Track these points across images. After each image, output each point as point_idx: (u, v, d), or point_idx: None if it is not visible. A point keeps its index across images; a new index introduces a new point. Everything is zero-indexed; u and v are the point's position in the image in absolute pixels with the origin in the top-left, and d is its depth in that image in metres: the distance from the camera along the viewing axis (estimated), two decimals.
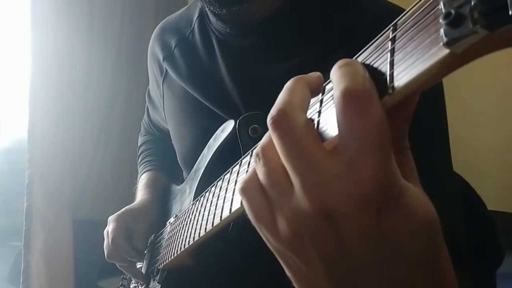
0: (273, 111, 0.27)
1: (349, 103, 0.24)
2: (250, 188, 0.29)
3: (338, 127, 0.25)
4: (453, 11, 0.20)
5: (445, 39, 0.20)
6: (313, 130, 0.27)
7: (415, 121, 0.29)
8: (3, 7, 1.90)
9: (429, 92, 0.25)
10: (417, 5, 0.23)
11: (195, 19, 0.76)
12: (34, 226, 1.75)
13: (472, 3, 0.19)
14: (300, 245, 0.27)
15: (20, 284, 1.73)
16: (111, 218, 0.80)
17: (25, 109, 1.76)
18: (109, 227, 0.79)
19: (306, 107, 0.28)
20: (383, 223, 0.24)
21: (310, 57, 0.62)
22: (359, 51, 0.28)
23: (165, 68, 0.78)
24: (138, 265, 0.85)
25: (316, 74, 0.30)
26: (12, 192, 2.09)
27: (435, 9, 0.21)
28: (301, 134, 0.26)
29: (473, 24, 0.19)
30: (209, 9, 0.67)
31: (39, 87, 1.77)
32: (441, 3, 0.20)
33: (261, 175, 0.28)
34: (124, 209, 0.82)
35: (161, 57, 0.79)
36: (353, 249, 0.25)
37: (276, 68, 0.64)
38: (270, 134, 0.27)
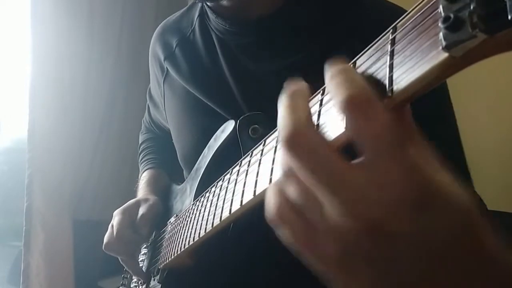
0: (285, 133, 0.26)
1: (352, 111, 0.24)
2: (286, 212, 0.28)
3: (350, 137, 0.24)
4: (452, 15, 0.19)
5: (444, 43, 0.20)
6: (330, 145, 0.26)
7: (423, 111, 0.29)
8: (3, 7, 1.90)
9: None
10: (416, 8, 0.23)
11: (195, 18, 0.76)
12: (34, 226, 1.75)
13: (471, 7, 0.19)
14: (351, 263, 0.26)
15: (20, 284, 1.73)
16: (116, 212, 0.80)
17: (25, 109, 1.76)
18: (114, 220, 0.78)
19: (313, 122, 0.28)
20: (427, 222, 0.23)
21: (311, 54, 0.62)
22: (360, 50, 0.28)
23: (166, 67, 0.78)
24: (140, 263, 0.86)
25: (305, 85, 0.30)
26: (12, 192, 2.09)
27: (435, 12, 0.21)
28: (321, 151, 0.25)
29: (472, 28, 0.19)
30: (204, 3, 0.68)
31: (39, 87, 1.77)
32: (440, 7, 0.20)
33: (296, 196, 0.27)
34: (129, 202, 0.82)
35: (162, 57, 0.79)
36: (404, 254, 0.24)
37: (277, 65, 0.64)
38: (287, 157, 0.26)
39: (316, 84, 0.30)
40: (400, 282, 0.25)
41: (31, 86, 1.76)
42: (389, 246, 0.24)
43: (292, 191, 0.27)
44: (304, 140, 0.25)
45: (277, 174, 0.29)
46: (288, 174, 0.27)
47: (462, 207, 0.24)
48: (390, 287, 0.26)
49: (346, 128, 0.24)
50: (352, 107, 0.23)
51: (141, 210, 0.79)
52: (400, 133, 0.24)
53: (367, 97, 0.24)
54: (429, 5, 0.22)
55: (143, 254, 0.87)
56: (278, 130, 0.27)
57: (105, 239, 0.79)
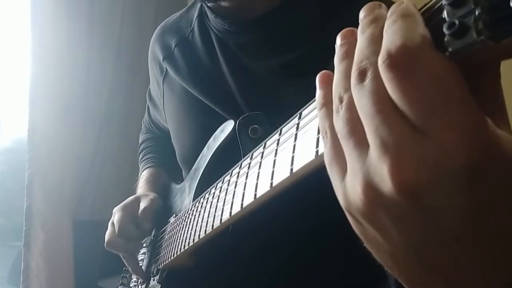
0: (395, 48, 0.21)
1: (394, 67, 0.21)
2: (331, 129, 0.26)
3: (394, 98, 0.21)
4: (457, 22, 0.19)
5: (449, 49, 0.20)
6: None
7: None
8: (3, 7, 1.90)
9: None
10: (420, 13, 0.22)
11: (194, 19, 0.76)
12: (34, 226, 1.75)
13: (476, 13, 0.18)
14: (374, 217, 0.23)
15: (20, 284, 1.73)
16: (116, 209, 0.79)
17: (25, 109, 1.76)
18: (115, 217, 0.78)
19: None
20: (482, 190, 0.21)
21: (311, 53, 0.62)
22: None
23: (165, 68, 0.78)
24: (139, 262, 0.85)
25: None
26: (12, 192, 2.09)
27: (438, 17, 0.21)
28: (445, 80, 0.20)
29: (477, 34, 0.18)
30: (204, 4, 0.68)
31: (39, 87, 1.77)
32: (445, 12, 0.20)
33: (340, 122, 0.25)
34: (128, 198, 0.82)
35: (161, 57, 0.79)
36: (442, 226, 0.22)
37: (277, 64, 0.64)
38: (385, 77, 0.22)
39: (315, 81, 0.29)
40: (435, 255, 0.23)
41: (31, 86, 1.76)
42: (425, 216, 0.22)
43: (343, 112, 0.25)
44: (420, 65, 0.21)
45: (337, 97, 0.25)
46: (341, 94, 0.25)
47: None
48: (422, 258, 0.23)
49: (395, 95, 0.21)
50: (392, 61, 0.21)
51: (143, 204, 0.78)
52: (459, 85, 0.21)
53: (424, 49, 0.21)
54: (432, 10, 0.22)
55: (142, 254, 0.87)
56: (385, 39, 0.22)
57: (107, 237, 0.78)
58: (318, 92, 0.28)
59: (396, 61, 0.21)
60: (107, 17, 1.98)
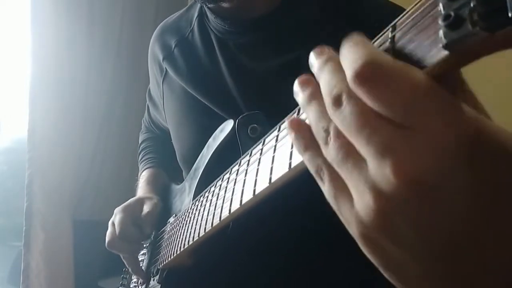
0: (360, 62, 0.23)
1: (364, 82, 0.23)
2: (324, 166, 0.27)
3: (374, 108, 0.23)
4: (452, 13, 0.19)
5: (444, 41, 0.20)
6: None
7: None
8: (3, 7, 1.90)
9: None
10: (416, 6, 0.23)
11: (194, 19, 0.76)
12: (34, 226, 1.75)
13: (472, 4, 0.19)
14: (391, 227, 0.24)
15: (20, 284, 1.73)
16: (117, 210, 0.79)
17: (25, 109, 1.76)
18: (116, 218, 0.78)
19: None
20: (480, 170, 0.22)
21: (310, 52, 0.62)
22: None
23: (165, 68, 0.78)
24: (140, 258, 0.85)
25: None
26: (12, 192, 2.09)
27: (434, 10, 0.21)
28: (406, 84, 0.22)
29: (472, 26, 0.19)
30: (199, 3, 0.68)
31: (39, 87, 1.77)
32: (440, 5, 0.20)
33: (333, 150, 0.25)
34: (130, 200, 0.82)
35: (161, 57, 0.79)
36: (453, 213, 0.22)
37: (276, 64, 0.64)
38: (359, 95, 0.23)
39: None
40: (453, 248, 0.23)
41: (31, 86, 1.77)
42: (434, 202, 0.22)
43: (333, 143, 0.26)
44: (385, 71, 0.22)
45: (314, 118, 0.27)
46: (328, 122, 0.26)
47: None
48: (439, 255, 0.24)
49: (374, 104, 0.23)
50: (375, 75, 0.22)
51: (146, 208, 0.79)
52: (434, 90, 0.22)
53: (384, 60, 0.23)
54: (428, 3, 0.22)
55: (142, 254, 0.87)
56: (346, 65, 0.24)
57: (107, 237, 0.78)
58: (294, 140, 0.29)
59: (364, 75, 0.23)
60: (107, 17, 1.98)
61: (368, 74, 0.23)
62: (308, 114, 0.28)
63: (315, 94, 0.28)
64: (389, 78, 0.22)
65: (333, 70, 0.26)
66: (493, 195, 0.22)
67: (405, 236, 0.24)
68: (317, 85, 0.28)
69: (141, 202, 0.81)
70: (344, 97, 0.24)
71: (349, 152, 0.25)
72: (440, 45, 0.21)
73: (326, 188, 0.27)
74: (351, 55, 0.24)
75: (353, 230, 0.26)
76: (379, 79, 0.22)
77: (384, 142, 0.22)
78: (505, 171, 0.22)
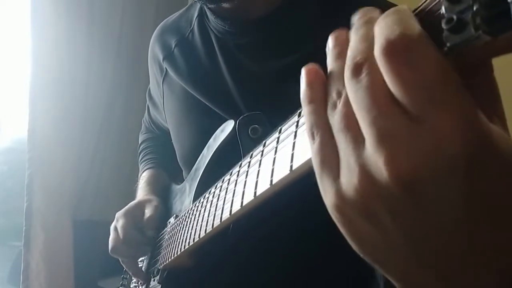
0: (393, 35, 0.21)
1: (393, 54, 0.21)
2: (322, 125, 0.26)
3: (392, 88, 0.22)
4: (455, 17, 0.19)
5: (447, 44, 0.20)
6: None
7: None
8: (3, 7, 1.90)
9: None
10: (418, 9, 0.23)
11: (194, 19, 0.76)
12: (34, 226, 1.75)
13: (474, 8, 0.19)
14: (371, 211, 0.23)
15: (20, 284, 1.73)
16: (118, 214, 0.80)
17: (25, 109, 1.76)
18: (119, 223, 0.78)
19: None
20: (476, 182, 0.21)
21: (311, 53, 0.61)
22: None
23: (165, 68, 0.78)
24: (140, 263, 0.85)
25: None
26: (12, 192, 2.09)
27: (437, 13, 0.21)
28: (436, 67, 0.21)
29: (475, 29, 0.19)
30: (200, 4, 0.68)
31: (39, 87, 1.77)
32: (443, 8, 0.20)
33: (338, 116, 0.24)
34: (130, 204, 0.82)
35: (161, 57, 0.79)
36: (439, 217, 0.22)
37: (276, 65, 0.64)
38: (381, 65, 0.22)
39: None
40: (434, 246, 0.23)
41: (31, 86, 1.76)
42: (421, 203, 0.22)
43: (341, 107, 0.24)
44: (419, 50, 0.21)
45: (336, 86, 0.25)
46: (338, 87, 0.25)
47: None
48: (421, 252, 0.23)
49: (393, 80, 0.21)
50: (405, 49, 0.21)
51: (148, 212, 0.79)
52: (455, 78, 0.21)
53: (422, 39, 0.21)
54: (431, 6, 0.22)
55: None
56: (379, 31, 0.22)
57: (111, 243, 0.78)
58: (304, 88, 0.28)
59: (396, 48, 0.21)
60: (107, 17, 1.98)
61: (400, 48, 0.21)
62: (329, 71, 0.27)
63: (343, 53, 0.26)
64: (421, 62, 0.21)
65: (367, 35, 0.24)
66: (485, 207, 0.21)
67: (382, 221, 0.23)
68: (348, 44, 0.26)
69: (141, 206, 0.81)
70: (365, 67, 0.23)
71: (351, 124, 0.24)
72: (443, 48, 0.21)
73: (314, 148, 0.26)
74: (390, 20, 0.22)
75: (329, 199, 0.25)
76: (410, 58, 0.21)
77: (388, 128, 0.22)
78: (502, 186, 0.21)
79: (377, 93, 0.22)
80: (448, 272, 0.23)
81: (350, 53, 0.24)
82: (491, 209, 0.22)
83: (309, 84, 0.28)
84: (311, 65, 0.28)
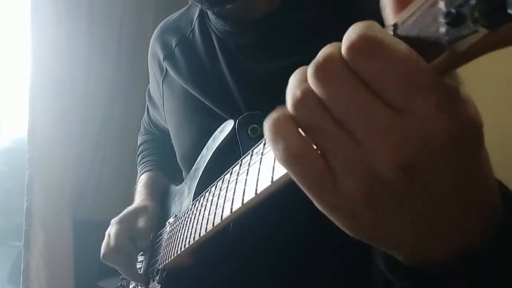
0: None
1: (371, 51, 0.22)
2: (304, 153, 0.25)
3: (367, 81, 0.22)
4: (454, 10, 0.20)
5: (446, 38, 0.20)
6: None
7: None
8: (3, 7, 1.90)
9: None
10: (416, 3, 0.23)
11: (195, 18, 0.76)
12: (34, 226, 1.75)
13: (473, 2, 0.19)
14: (373, 204, 0.25)
15: (20, 284, 1.73)
16: (113, 221, 0.79)
17: (25, 109, 1.76)
18: (112, 230, 0.78)
19: None
20: (461, 153, 0.23)
21: (311, 54, 0.61)
22: None
23: (165, 67, 0.78)
24: (139, 264, 0.85)
25: None
26: (12, 192, 2.09)
27: (435, 7, 0.21)
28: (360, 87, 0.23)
29: (473, 23, 0.19)
30: (203, 8, 0.68)
31: (39, 87, 1.77)
32: (441, 2, 0.20)
33: (315, 123, 0.24)
34: (126, 210, 0.82)
35: (161, 57, 0.79)
36: (434, 188, 0.24)
37: (277, 65, 0.64)
38: (314, 82, 0.24)
39: None
40: (432, 223, 0.26)
41: (31, 86, 1.76)
42: (422, 185, 0.24)
43: (308, 115, 0.25)
44: (386, 47, 0.22)
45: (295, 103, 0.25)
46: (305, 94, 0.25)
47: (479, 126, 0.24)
48: (422, 228, 0.26)
49: (368, 79, 0.22)
50: (370, 45, 0.22)
51: (141, 222, 0.79)
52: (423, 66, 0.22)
53: (385, 36, 0.22)
54: (429, 0, 0.22)
55: (141, 255, 0.87)
56: (344, 39, 0.23)
57: (103, 249, 0.78)
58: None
59: (361, 44, 0.22)
60: (107, 17, 1.98)
61: (366, 43, 0.22)
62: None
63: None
64: (389, 54, 0.22)
65: (331, 46, 0.25)
66: (471, 171, 0.24)
67: (383, 204, 0.25)
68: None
69: (136, 213, 0.81)
70: (333, 67, 0.23)
71: (322, 121, 0.24)
72: (442, 42, 0.21)
73: (291, 146, 0.26)
74: (350, 30, 0.23)
75: (325, 204, 0.26)
76: (377, 51, 0.22)
77: (372, 121, 0.22)
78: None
79: (352, 89, 0.23)
80: (444, 228, 0.26)
81: (311, 64, 0.25)
82: (477, 171, 0.25)
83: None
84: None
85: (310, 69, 0.24)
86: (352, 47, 0.22)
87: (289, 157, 0.25)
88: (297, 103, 0.25)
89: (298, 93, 0.25)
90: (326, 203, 0.26)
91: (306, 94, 0.25)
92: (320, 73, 0.24)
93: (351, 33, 0.23)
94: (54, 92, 1.80)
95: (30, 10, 1.75)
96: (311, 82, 0.24)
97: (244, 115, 0.61)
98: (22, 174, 1.76)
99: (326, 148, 0.24)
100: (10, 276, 1.96)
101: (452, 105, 0.22)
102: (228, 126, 0.62)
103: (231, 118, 0.63)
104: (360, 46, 0.22)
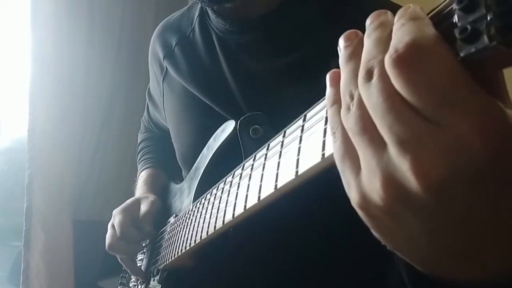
0: (409, 40, 0.21)
1: (400, 63, 0.21)
2: (342, 126, 0.26)
3: (403, 94, 0.21)
4: (469, 27, 0.19)
5: (460, 54, 0.20)
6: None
7: None
8: (3, 7, 1.90)
9: None
10: (429, 15, 0.23)
11: (195, 18, 0.76)
12: (34, 226, 1.75)
13: (488, 18, 0.18)
14: (394, 211, 0.23)
15: (20, 284, 1.73)
16: (116, 211, 0.80)
17: (25, 109, 1.76)
18: (116, 220, 0.78)
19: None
20: (500, 178, 0.21)
21: (312, 53, 0.61)
22: None
23: (166, 66, 0.78)
24: (139, 262, 0.85)
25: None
26: (12, 192, 2.09)
27: (449, 22, 0.21)
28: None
29: (489, 40, 0.19)
30: (202, 6, 0.68)
31: (39, 87, 1.77)
32: (456, 17, 0.20)
33: (352, 119, 0.24)
34: (128, 201, 0.82)
35: (161, 56, 0.79)
36: (463, 214, 0.22)
37: (278, 64, 0.64)
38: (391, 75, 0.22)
39: (316, 81, 0.29)
40: (452, 247, 0.24)
41: (31, 86, 1.76)
42: (448, 207, 0.22)
43: (354, 112, 0.24)
44: (427, 57, 0.21)
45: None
46: (352, 93, 0.25)
47: None
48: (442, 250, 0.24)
49: (402, 86, 0.21)
50: (419, 50, 0.21)
51: (144, 207, 0.79)
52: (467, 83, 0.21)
53: (432, 44, 0.21)
54: (442, 14, 0.22)
55: (141, 254, 0.87)
56: (393, 40, 0.22)
57: (108, 240, 0.78)
58: (329, 90, 0.28)
59: (402, 56, 0.21)
60: (107, 17, 1.97)
61: (407, 56, 0.21)
62: (342, 73, 0.27)
63: (355, 54, 0.26)
64: (430, 66, 0.21)
65: (379, 39, 0.24)
66: (505, 207, 0.22)
67: (405, 220, 0.24)
68: (361, 43, 0.26)
69: (138, 202, 0.81)
70: (375, 72, 0.23)
71: (367, 126, 0.24)
72: (457, 58, 0.20)
73: (336, 146, 0.27)
74: (403, 30, 0.22)
75: (352, 195, 0.26)
76: (417, 64, 0.21)
77: (408, 133, 0.21)
78: None
79: (390, 97, 0.22)
80: (470, 253, 0.24)
81: (363, 56, 0.24)
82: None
83: (332, 87, 0.28)
84: (336, 70, 0.28)
85: (361, 68, 0.24)
86: (396, 56, 0.21)
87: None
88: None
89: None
90: (355, 205, 0.26)
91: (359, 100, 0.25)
92: (366, 75, 0.24)
93: (399, 40, 0.22)
94: (54, 92, 1.80)
95: (30, 10, 1.75)
96: (360, 83, 0.24)
97: (246, 115, 0.60)
98: (22, 174, 1.76)
99: (357, 147, 0.25)
100: (10, 276, 1.96)
101: (490, 121, 0.20)
102: (229, 126, 0.62)
103: (231, 117, 0.63)
104: (404, 57, 0.21)
